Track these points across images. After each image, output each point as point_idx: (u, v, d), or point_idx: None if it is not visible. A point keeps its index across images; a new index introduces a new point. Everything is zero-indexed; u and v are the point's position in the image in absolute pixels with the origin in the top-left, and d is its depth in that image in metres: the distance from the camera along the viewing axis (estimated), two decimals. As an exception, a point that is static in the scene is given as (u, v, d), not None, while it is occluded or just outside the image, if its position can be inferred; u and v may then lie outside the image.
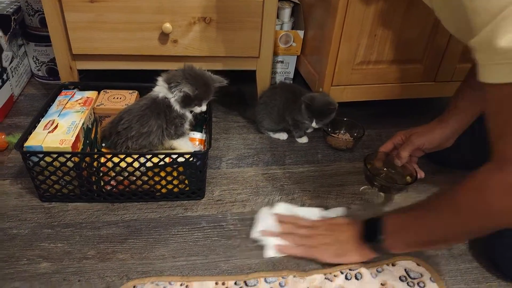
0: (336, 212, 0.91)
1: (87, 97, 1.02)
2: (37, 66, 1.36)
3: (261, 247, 0.82)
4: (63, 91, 1.04)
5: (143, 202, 0.92)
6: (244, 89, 1.28)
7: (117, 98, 1.04)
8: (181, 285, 0.74)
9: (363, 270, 0.77)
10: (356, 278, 0.76)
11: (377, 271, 0.78)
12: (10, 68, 1.23)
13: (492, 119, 0.60)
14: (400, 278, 0.77)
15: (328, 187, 1.01)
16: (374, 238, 0.74)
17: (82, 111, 0.96)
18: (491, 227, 0.65)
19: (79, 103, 0.99)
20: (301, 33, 1.29)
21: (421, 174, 0.96)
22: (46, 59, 1.34)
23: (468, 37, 0.58)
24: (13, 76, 1.24)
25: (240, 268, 0.78)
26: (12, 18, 1.23)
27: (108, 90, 1.07)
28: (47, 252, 0.79)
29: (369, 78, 1.15)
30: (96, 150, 0.95)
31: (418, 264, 0.79)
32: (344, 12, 1.03)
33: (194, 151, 0.88)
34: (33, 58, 1.34)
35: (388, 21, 1.06)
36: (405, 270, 0.78)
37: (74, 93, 1.03)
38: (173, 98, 0.90)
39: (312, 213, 0.90)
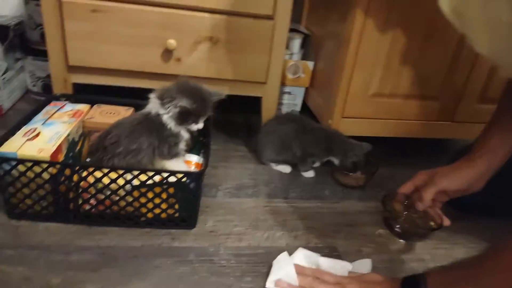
0: (362, 265, 0.78)
1: (78, 110, 0.94)
2: (32, 81, 1.30)
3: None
4: (53, 102, 0.96)
5: (125, 228, 0.80)
6: (249, 120, 1.21)
7: (111, 113, 0.96)
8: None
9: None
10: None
11: None
12: (3, 80, 1.16)
13: None
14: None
15: (337, 226, 0.89)
16: None
17: (70, 122, 0.87)
18: None
19: (68, 115, 0.91)
20: (310, 64, 1.24)
21: (446, 222, 0.85)
22: (42, 75, 1.28)
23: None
24: (4, 88, 1.17)
25: (231, 311, 0.65)
26: (10, 28, 1.19)
27: (102, 105, 0.99)
28: (3, 276, 0.66)
29: (382, 112, 1.08)
30: (79, 166, 0.85)
31: None
32: (358, 39, 0.98)
33: (187, 171, 0.78)
34: (29, 73, 1.29)
35: (404, 52, 1.01)
36: None
37: (65, 105, 0.95)
38: (167, 115, 0.82)
39: (339, 266, 0.76)
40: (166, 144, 0.83)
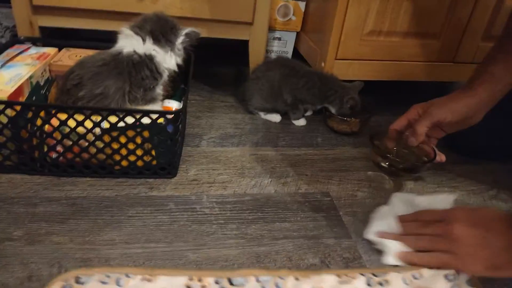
0: (443, 200, 0.69)
1: (44, 53, 0.85)
2: (0, 32, 1.19)
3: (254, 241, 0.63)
4: (16, 45, 0.87)
5: (98, 178, 0.73)
6: (237, 70, 1.12)
7: (81, 56, 0.86)
8: (142, 279, 0.54)
9: (392, 275, 0.59)
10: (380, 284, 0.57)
11: (413, 277, 0.59)
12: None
13: None
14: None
15: (329, 172, 0.83)
16: None
17: (33, 65, 0.78)
18: None
19: (32, 57, 0.82)
20: (302, 4, 1.14)
21: (441, 157, 0.78)
22: (10, 24, 1.17)
23: None
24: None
25: (213, 259, 0.59)
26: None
27: (71, 49, 0.90)
28: (-41, 230, 0.59)
29: (379, 52, 0.99)
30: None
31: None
32: (353, -32, 0.88)
33: (163, 111, 0.70)
34: (-5, 22, 1.18)
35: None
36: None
37: (29, 48, 0.86)
38: (168, 53, 0.76)
39: (439, 200, 0.68)
40: (141, 87, 0.75)
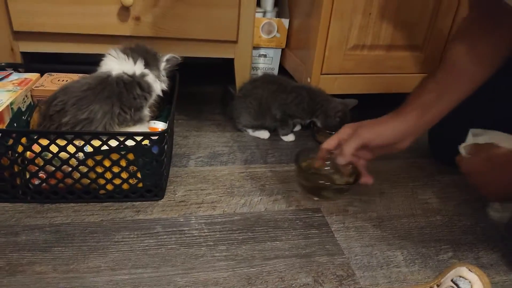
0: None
1: (25, 78, 0.83)
2: (-18, 59, 1.17)
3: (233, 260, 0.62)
4: (-3, 72, 0.86)
5: (83, 203, 0.71)
6: (223, 89, 1.12)
7: (64, 81, 0.85)
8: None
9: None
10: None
11: None
12: None
13: None
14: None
15: (320, 187, 0.82)
16: None
17: (14, 91, 0.77)
18: None
19: (13, 84, 0.80)
20: (285, 21, 1.15)
21: (367, 179, 0.75)
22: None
23: None
24: None
25: (202, 283, 0.57)
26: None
27: (53, 73, 0.89)
28: None
29: (363, 66, 1.00)
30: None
31: (470, 270, 0.58)
32: (334, -16, 0.89)
33: (147, 132, 0.69)
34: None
35: (385, -3, 0.92)
36: (452, 280, 0.57)
37: (10, 74, 0.85)
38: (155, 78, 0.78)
39: None
40: (132, 107, 0.74)
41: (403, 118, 0.69)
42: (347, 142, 0.70)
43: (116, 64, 0.76)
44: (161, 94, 0.80)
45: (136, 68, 0.75)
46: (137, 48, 0.78)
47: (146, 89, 0.76)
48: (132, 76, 0.75)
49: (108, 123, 0.72)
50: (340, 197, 0.79)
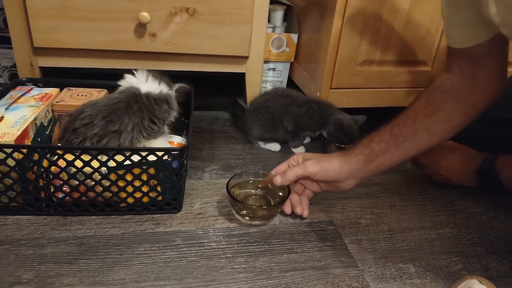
0: None
1: (46, 93, 0.86)
2: (-2, 72, 1.21)
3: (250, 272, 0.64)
4: (18, 87, 0.88)
5: (104, 216, 0.74)
6: (234, 101, 1.14)
7: (83, 95, 0.88)
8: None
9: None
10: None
11: None
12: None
13: None
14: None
15: (332, 200, 0.84)
16: None
17: (37, 106, 0.80)
18: None
19: (35, 99, 0.83)
20: (294, 36, 1.18)
21: (300, 211, 0.75)
22: (8, 64, 1.19)
23: None
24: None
25: (224, 295, 0.60)
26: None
27: (72, 88, 0.92)
28: (-33, 275, 0.59)
29: (373, 80, 1.03)
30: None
31: (480, 282, 0.60)
32: (344, 3, 0.92)
33: (168, 147, 0.71)
34: (-6, 63, 1.20)
35: (393, 14, 0.95)
36: None
37: (31, 89, 0.88)
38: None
39: None
40: (161, 120, 0.79)
41: (348, 159, 0.71)
42: (292, 169, 0.73)
43: (143, 83, 0.79)
44: (173, 120, 0.84)
45: (161, 87, 0.79)
46: (154, 73, 0.82)
47: (172, 105, 0.80)
48: (160, 94, 0.79)
49: (136, 136, 0.75)
50: (264, 223, 0.76)
